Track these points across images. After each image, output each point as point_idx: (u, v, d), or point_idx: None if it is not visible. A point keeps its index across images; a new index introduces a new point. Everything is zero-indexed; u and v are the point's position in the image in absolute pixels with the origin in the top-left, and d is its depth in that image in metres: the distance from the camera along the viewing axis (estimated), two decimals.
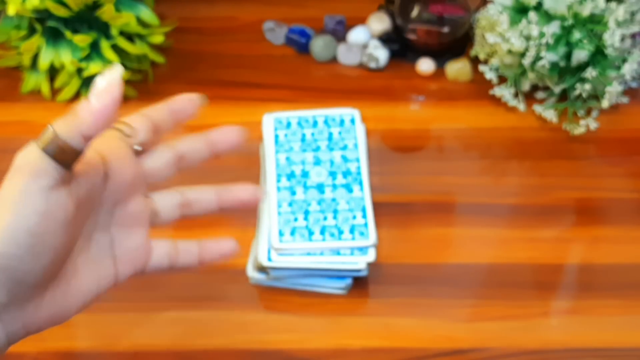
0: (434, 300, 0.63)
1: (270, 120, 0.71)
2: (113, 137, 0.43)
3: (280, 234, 0.63)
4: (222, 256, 0.48)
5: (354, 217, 0.64)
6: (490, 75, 0.77)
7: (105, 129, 0.38)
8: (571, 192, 0.70)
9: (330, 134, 0.70)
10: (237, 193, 0.47)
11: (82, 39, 0.72)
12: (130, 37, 0.75)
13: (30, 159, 0.37)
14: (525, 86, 0.77)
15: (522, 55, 0.72)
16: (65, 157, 0.37)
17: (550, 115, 0.75)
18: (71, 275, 0.41)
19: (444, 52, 0.80)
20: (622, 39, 0.72)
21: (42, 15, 0.72)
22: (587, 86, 0.72)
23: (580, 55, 0.71)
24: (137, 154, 0.44)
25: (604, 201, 0.70)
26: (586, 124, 0.74)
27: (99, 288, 0.43)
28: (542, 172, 0.72)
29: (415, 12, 0.79)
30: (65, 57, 0.73)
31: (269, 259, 0.62)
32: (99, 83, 0.38)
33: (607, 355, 0.60)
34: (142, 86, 0.78)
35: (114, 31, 0.73)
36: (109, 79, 0.38)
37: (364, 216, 0.64)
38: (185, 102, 0.46)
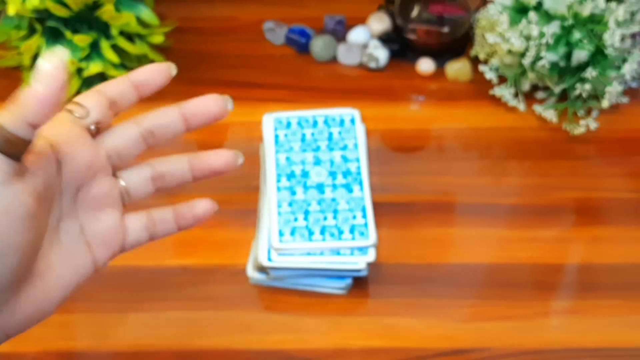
0: (434, 300, 0.63)
1: (270, 120, 0.71)
2: (63, 120, 0.40)
3: (280, 234, 0.63)
4: (197, 219, 0.45)
5: (354, 217, 0.64)
6: (490, 75, 0.77)
7: (52, 115, 0.36)
8: (571, 192, 0.70)
9: (330, 134, 0.70)
10: (210, 160, 0.44)
11: (82, 39, 0.72)
12: (130, 37, 0.75)
13: None
14: (525, 86, 0.77)
15: (522, 55, 0.72)
16: (13, 148, 0.35)
17: (550, 115, 0.75)
18: (45, 271, 0.39)
19: (444, 52, 0.80)
20: (622, 39, 0.72)
21: (42, 15, 0.72)
22: (587, 86, 0.72)
23: (580, 55, 0.71)
24: (94, 133, 0.41)
25: (604, 201, 0.70)
26: (586, 124, 0.74)
27: (78, 277, 0.41)
28: (542, 172, 0.72)
29: (415, 12, 0.79)
30: None
31: (269, 259, 0.62)
32: (44, 67, 0.35)
33: (607, 355, 0.60)
34: None
35: (114, 31, 0.73)
36: (54, 63, 0.35)
37: (364, 216, 0.64)
38: (151, 72, 0.43)
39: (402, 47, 0.81)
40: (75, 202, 0.41)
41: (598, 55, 0.72)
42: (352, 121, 0.71)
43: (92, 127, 0.41)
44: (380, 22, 0.82)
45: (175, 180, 0.44)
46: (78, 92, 0.77)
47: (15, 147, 0.35)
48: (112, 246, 0.42)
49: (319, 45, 0.81)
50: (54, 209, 0.40)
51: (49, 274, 0.39)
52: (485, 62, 0.78)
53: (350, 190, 0.66)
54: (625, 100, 0.76)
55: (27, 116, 0.35)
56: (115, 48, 0.73)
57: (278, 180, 0.67)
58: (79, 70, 0.74)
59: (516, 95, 0.77)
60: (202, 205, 0.44)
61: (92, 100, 0.41)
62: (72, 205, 0.41)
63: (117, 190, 0.42)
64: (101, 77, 0.75)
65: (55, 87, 0.35)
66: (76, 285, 0.41)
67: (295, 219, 0.64)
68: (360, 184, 0.66)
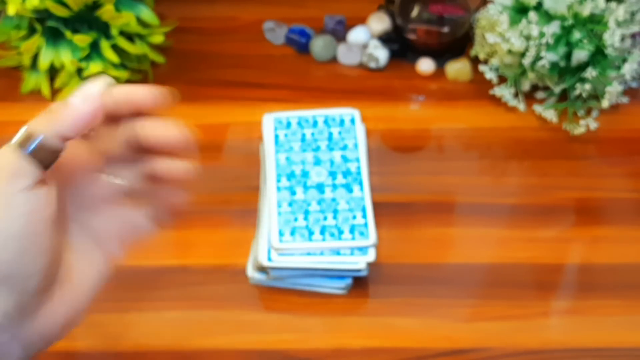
0: (434, 300, 0.63)
1: (270, 120, 0.71)
2: None
3: (280, 234, 0.63)
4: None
5: (354, 217, 0.64)
6: (490, 75, 0.77)
7: (82, 132, 0.38)
8: (571, 192, 0.70)
9: (330, 134, 0.70)
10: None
11: (82, 39, 0.72)
12: (130, 37, 0.75)
13: (7, 160, 0.36)
14: (525, 86, 0.77)
15: (522, 55, 0.72)
16: (42, 155, 0.37)
17: (550, 115, 0.75)
18: (70, 273, 0.40)
19: (444, 52, 0.80)
20: (622, 39, 0.72)
21: (42, 15, 0.72)
22: (587, 86, 0.72)
23: (580, 55, 0.71)
24: (84, 136, 0.41)
25: (604, 201, 0.70)
26: (586, 124, 0.74)
27: (100, 275, 0.42)
28: (542, 172, 0.72)
29: (415, 12, 0.79)
30: (65, 57, 0.73)
31: (269, 259, 0.62)
32: (90, 88, 0.38)
33: (607, 355, 0.60)
34: None
35: (114, 31, 0.73)
36: (100, 86, 0.38)
37: (364, 216, 0.64)
38: (146, 94, 0.41)
39: (402, 47, 0.81)
40: (73, 205, 0.42)
41: (598, 55, 0.72)
42: (352, 121, 0.71)
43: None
44: (380, 22, 0.82)
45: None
46: None
47: (45, 156, 0.37)
48: (124, 239, 0.43)
49: (319, 45, 0.81)
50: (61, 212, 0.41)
51: (75, 276, 0.40)
52: (485, 62, 0.78)
53: (350, 190, 0.66)
54: (625, 100, 0.76)
55: (60, 128, 0.37)
56: (115, 48, 0.73)
57: (278, 180, 0.67)
58: (79, 70, 0.74)
59: (516, 95, 0.77)
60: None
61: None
62: (72, 208, 0.42)
63: (114, 186, 0.43)
64: None
65: (93, 109, 0.37)
66: (102, 283, 0.42)
67: (295, 219, 0.64)
68: (360, 184, 0.66)
